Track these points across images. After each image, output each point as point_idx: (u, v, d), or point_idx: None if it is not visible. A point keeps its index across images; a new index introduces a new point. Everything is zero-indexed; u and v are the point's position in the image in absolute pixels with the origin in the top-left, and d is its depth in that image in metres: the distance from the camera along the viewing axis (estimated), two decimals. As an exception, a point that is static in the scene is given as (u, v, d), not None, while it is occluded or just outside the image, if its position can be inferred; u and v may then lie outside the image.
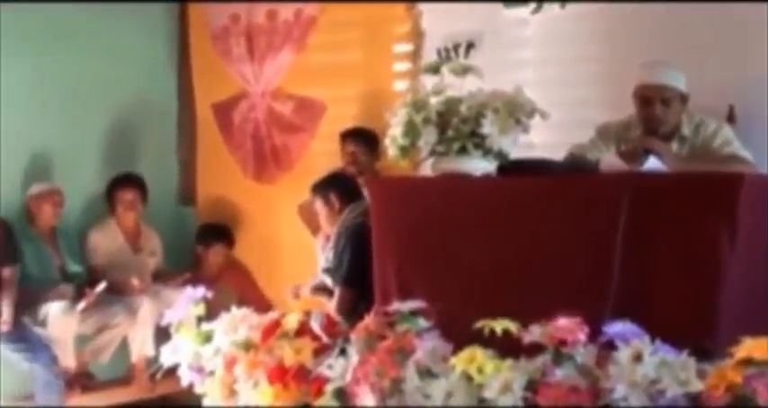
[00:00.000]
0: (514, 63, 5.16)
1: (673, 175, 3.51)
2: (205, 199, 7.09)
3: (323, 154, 6.07)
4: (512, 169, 3.61)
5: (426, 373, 2.92)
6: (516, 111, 3.56)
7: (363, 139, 5.62)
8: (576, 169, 3.63)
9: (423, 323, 3.09)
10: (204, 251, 6.60)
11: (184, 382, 3.82)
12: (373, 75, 5.99)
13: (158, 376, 4.02)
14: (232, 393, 3.55)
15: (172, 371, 3.88)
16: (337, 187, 5.01)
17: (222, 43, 6.78)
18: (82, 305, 5.67)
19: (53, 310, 5.59)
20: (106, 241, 6.29)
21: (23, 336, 5.50)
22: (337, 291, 4.70)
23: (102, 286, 5.78)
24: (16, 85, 6.06)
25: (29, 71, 6.13)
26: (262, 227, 6.64)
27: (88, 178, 6.47)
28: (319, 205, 5.04)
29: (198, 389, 3.77)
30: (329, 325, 3.41)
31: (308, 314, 3.54)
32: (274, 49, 6.44)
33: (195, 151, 7.11)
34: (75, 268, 6.08)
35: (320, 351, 3.31)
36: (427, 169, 3.91)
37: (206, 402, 3.79)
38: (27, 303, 5.63)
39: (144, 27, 6.85)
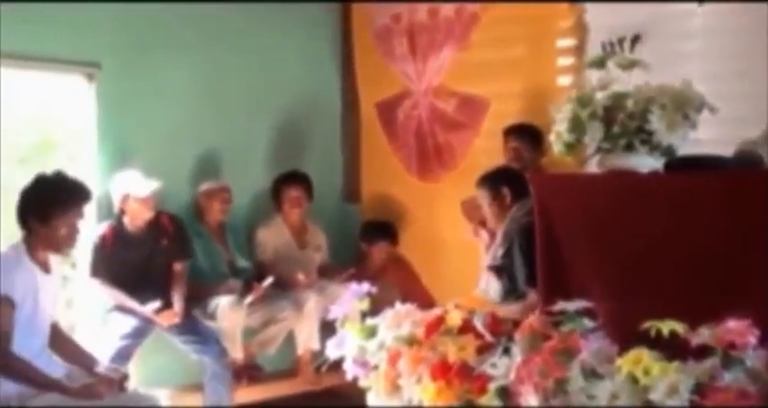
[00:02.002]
0: (681, 56, 5.02)
1: None
2: (369, 196, 7.17)
3: (486, 151, 6.03)
4: (679, 166, 3.51)
5: (591, 374, 2.86)
6: (684, 106, 3.46)
7: (527, 135, 5.57)
8: (746, 165, 3.51)
9: (588, 323, 3.05)
10: (368, 247, 6.68)
11: (349, 376, 3.85)
12: (537, 70, 5.93)
13: (323, 369, 4.07)
14: (396, 388, 3.56)
15: (337, 364, 3.93)
16: (509, 181, 4.82)
17: (385, 42, 6.85)
18: (250, 299, 5.82)
19: (222, 303, 5.76)
20: (273, 237, 6.44)
21: (194, 328, 5.68)
22: (531, 295, 4.42)
23: (268, 280, 5.91)
24: (188, 85, 6.29)
25: (199, 71, 6.35)
26: (425, 225, 6.67)
27: (255, 175, 6.63)
28: (486, 199, 4.88)
29: (362, 383, 3.80)
30: (493, 323, 3.40)
31: (471, 311, 3.54)
32: (436, 47, 6.46)
33: (359, 149, 7.21)
34: (242, 263, 6.24)
35: (484, 349, 3.29)
36: (593, 165, 3.85)
37: (370, 396, 3.82)
38: (197, 296, 5.82)
39: (309, 27, 7.00)
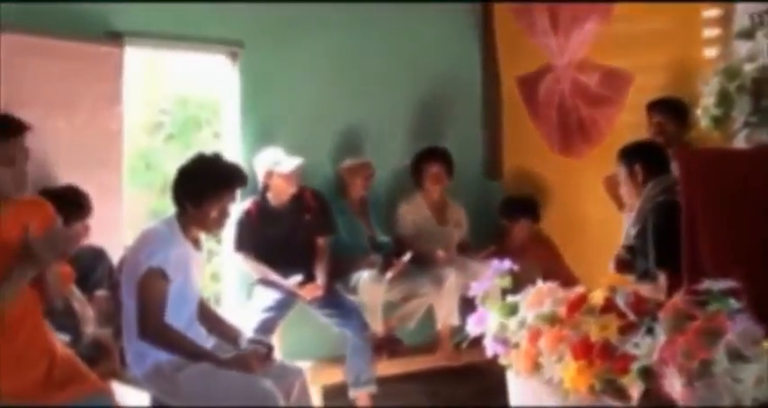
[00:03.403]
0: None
1: None
2: (511, 172, 7.12)
3: (630, 126, 5.88)
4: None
5: (737, 356, 2.79)
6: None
7: (671, 109, 5.43)
8: None
9: (734, 303, 2.97)
10: (510, 225, 6.63)
11: (489, 353, 3.86)
12: (682, 42, 5.76)
13: (463, 345, 4.08)
14: (536, 366, 3.55)
15: (476, 341, 3.93)
16: (644, 158, 4.59)
17: (525, 17, 6.77)
18: (390, 274, 5.86)
19: (363, 278, 5.81)
20: (413, 213, 6.45)
21: (336, 302, 5.77)
22: (662, 278, 4.23)
23: (408, 256, 5.94)
24: (329, 63, 6.36)
25: (340, 49, 6.41)
26: (568, 201, 6.59)
27: (396, 151, 6.66)
28: (622, 176, 4.67)
29: (502, 360, 3.80)
30: (636, 303, 3.35)
31: (613, 290, 3.49)
32: (579, 20, 6.35)
33: (501, 125, 7.16)
34: (383, 238, 6.29)
35: (626, 329, 3.25)
36: (740, 141, 3.74)
37: (510, 373, 3.82)
38: (339, 271, 5.89)
39: (449, 3, 6.96)
